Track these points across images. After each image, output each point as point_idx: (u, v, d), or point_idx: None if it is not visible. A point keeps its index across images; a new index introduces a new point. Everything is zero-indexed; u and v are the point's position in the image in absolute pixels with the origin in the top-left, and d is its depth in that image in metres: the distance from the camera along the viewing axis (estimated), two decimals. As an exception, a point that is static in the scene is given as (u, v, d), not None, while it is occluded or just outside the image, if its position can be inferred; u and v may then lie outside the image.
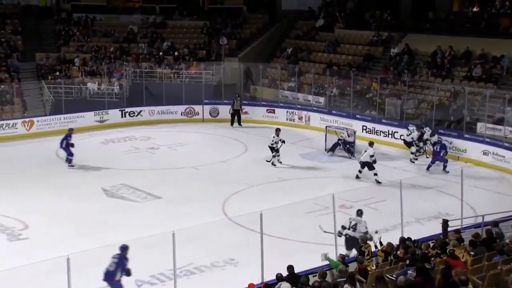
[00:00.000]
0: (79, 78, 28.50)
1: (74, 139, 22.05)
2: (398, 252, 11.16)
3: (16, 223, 15.56)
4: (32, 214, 16.13)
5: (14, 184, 18.75)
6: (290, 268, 10.67)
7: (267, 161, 20.97)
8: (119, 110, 27.21)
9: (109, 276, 11.03)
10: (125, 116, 27.26)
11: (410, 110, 24.99)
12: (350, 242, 13.00)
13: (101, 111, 26.79)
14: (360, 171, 19.25)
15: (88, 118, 26.42)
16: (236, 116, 26.91)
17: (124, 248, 11.23)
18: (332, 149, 22.25)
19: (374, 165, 18.98)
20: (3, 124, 24.53)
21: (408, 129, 22.36)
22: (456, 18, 29.31)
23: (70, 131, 20.97)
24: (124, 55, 30.52)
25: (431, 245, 11.63)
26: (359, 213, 13.43)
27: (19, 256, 13.41)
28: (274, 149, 20.94)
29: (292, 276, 10.56)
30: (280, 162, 20.97)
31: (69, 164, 20.57)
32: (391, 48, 28.60)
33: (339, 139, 22.23)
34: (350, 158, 21.78)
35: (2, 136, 24.12)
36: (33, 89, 28.01)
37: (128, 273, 11.15)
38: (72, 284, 9.51)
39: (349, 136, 22.16)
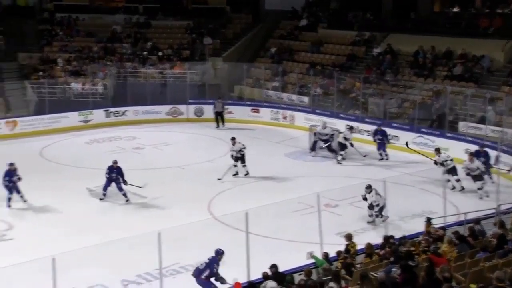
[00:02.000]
0: (62, 78, 28.31)
1: (59, 139, 21.90)
2: (383, 251, 11.24)
3: (1, 224, 15.43)
4: (17, 215, 16.01)
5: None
6: (274, 267, 10.70)
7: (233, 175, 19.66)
8: (104, 110, 27.10)
9: (196, 273, 11.26)
10: (109, 116, 27.15)
11: (393, 109, 25.17)
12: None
13: (86, 111, 26.66)
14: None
15: (72, 118, 26.28)
16: (219, 118, 26.80)
17: (218, 253, 11.35)
18: (313, 148, 22.23)
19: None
20: (-15, 124, 24.39)
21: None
22: (437, 18, 29.56)
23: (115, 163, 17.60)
24: (108, 55, 30.37)
25: (415, 243, 11.74)
26: (369, 186, 15.15)
27: (4, 257, 13.30)
28: (236, 158, 19.67)
29: (277, 274, 10.59)
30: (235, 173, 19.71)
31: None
32: (373, 48, 28.78)
33: (314, 133, 22.18)
34: (335, 158, 21.58)
35: (-14, 136, 23.97)
36: (16, 89, 27.79)
37: (217, 278, 11.16)
38: (57, 285, 9.46)
39: (324, 128, 22.04)
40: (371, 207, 15.28)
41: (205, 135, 25.57)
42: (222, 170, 20.30)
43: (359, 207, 16.66)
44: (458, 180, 17.86)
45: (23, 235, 14.88)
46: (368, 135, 23.69)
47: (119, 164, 17.63)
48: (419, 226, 13.82)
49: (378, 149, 21.72)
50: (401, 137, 22.98)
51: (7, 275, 11.87)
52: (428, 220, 13.27)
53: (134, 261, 12.97)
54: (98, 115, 26.83)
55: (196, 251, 13.73)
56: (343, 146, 21.43)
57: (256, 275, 10.91)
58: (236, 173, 19.63)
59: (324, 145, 21.91)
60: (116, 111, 27.29)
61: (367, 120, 24.54)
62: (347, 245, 12.05)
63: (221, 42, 32.23)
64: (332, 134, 22.06)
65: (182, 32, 32.89)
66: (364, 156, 21.68)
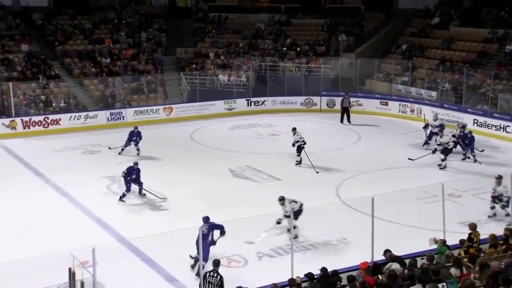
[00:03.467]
0: (211, 70, 29.40)
1: (206, 124, 22.47)
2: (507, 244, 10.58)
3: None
4: (170, 188, 16.90)
5: (155, 162, 19.78)
6: (389, 251, 10.43)
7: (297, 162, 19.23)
8: (246, 100, 27.79)
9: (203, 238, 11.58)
10: (250, 105, 27.80)
11: (523, 105, 23.50)
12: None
13: (230, 100, 27.50)
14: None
15: (219, 106, 27.21)
16: (345, 114, 25.83)
17: (206, 219, 12.16)
18: (426, 142, 21.17)
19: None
20: (148, 109, 25.91)
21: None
22: None
23: (135, 165, 16.20)
24: (252, 50, 31.07)
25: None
26: (282, 198, 13.60)
27: (159, 223, 14.20)
28: (298, 148, 19.15)
29: (395, 258, 10.34)
30: (299, 162, 19.17)
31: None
32: (506, 45, 26.90)
33: (426, 125, 21.08)
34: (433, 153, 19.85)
35: (147, 120, 25.45)
36: (173, 80, 29.29)
37: (213, 242, 11.92)
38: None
39: (435, 120, 20.84)
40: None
41: (335, 125, 25.43)
42: (350, 158, 20.16)
43: (482, 198, 15.79)
44: (443, 160, 18.63)
45: (175, 206, 15.73)
46: (496, 129, 22.38)
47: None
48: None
49: (464, 149, 19.77)
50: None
51: (163, 240, 12.67)
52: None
53: (269, 236, 13.25)
54: (240, 104, 27.57)
55: (324, 231, 13.80)
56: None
57: (378, 257, 10.74)
58: (299, 162, 19.17)
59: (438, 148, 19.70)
60: (256, 101, 27.90)
61: (495, 115, 23.10)
62: (470, 234, 11.47)
63: (355, 39, 31.75)
64: (441, 125, 20.85)
65: (319, 29, 32.83)
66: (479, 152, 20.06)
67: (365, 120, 25.79)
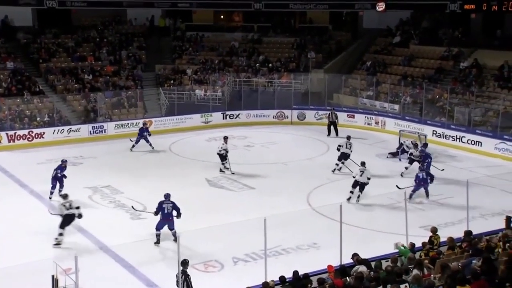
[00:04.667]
0: (189, 86, 29.29)
1: (184, 136, 22.28)
2: (464, 245, 10.72)
3: (137, 205, 16.21)
4: (150, 197, 16.64)
5: (135, 173, 19.57)
6: (356, 255, 10.47)
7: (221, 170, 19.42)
8: (221, 113, 27.74)
9: (169, 216, 13.32)
10: (226, 118, 27.76)
11: (477, 118, 23.92)
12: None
13: (206, 113, 27.42)
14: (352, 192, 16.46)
15: (196, 119, 27.10)
16: (332, 127, 25.56)
17: (168, 195, 13.58)
18: (393, 154, 21.41)
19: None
20: (128, 123, 25.66)
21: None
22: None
23: (64, 163, 16.92)
24: (227, 66, 31.09)
25: (496, 239, 11.09)
26: (65, 196, 13.90)
27: (140, 231, 14.04)
28: (222, 156, 19.40)
29: (362, 261, 10.37)
30: (228, 169, 19.36)
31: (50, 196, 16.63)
32: (461, 62, 27.47)
33: (401, 143, 21.28)
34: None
35: (128, 133, 25.10)
36: (152, 95, 29.08)
37: (179, 215, 13.45)
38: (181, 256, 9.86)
39: (408, 148, 20.19)
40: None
41: (306, 136, 25.54)
42: (320, 167, 20.23)
43: (441, 203, 16.03)
44: (337, 165, 19.39)
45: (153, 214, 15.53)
46: (453, 140, 22.81)
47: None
48: (499, 224, 13.06)
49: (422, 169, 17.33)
50: (484, 142, 21.89)
51: (142, 246, 12.53)
52: (508, 219, 12.49)
53: (244, 242, 13.19)
54: (216, 117, 27.51)
55: (296, 236, 13.80)
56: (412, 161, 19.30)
57: (347, 260, 10.76)
58: (222, 170, 19.40)
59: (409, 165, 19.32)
60: (232, 114, 27.88)
61: (452, 126, 23.54)
62: (431, 237, 11.60)
63: (323, 56, 32.02)
64: (410, 153, 19.63)
65: (289, 47, 33.03)
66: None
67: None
